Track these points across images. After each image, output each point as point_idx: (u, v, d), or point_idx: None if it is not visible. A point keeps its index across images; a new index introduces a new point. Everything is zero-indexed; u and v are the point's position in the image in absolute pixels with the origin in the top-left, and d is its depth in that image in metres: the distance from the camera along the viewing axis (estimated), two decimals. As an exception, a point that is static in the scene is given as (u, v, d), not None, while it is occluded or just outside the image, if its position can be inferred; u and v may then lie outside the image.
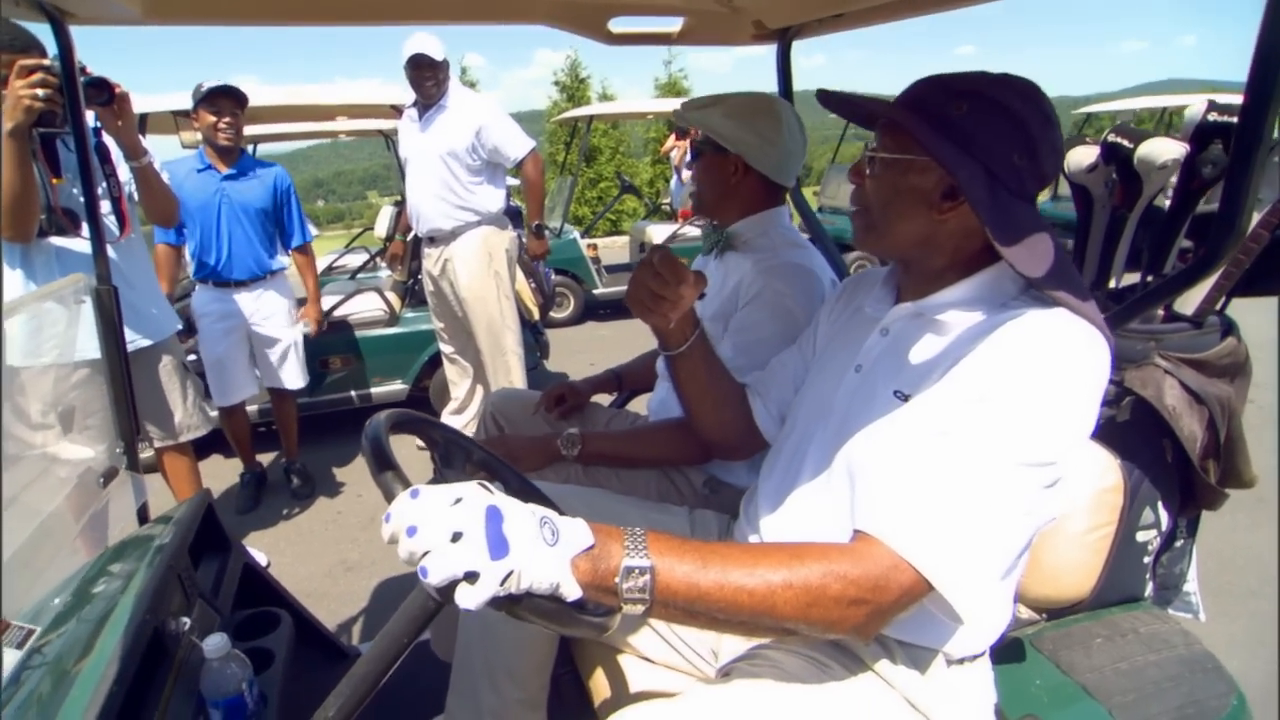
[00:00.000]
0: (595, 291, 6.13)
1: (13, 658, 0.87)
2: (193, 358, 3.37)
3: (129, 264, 2.03)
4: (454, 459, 0.93)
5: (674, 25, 1.58)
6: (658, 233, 6.37)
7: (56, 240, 1.85)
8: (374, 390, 3.70)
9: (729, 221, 1.48)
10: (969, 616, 0.75)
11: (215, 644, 1.02)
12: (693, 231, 6.30)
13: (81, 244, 1.87)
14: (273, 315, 2.85)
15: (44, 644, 0.97)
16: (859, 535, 0.76)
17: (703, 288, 1.05)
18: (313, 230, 3.11)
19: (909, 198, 0.86)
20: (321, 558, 2.64)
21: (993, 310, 0.84)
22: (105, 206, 1.92)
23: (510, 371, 3.13)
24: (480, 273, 2.99)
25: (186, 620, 1.10)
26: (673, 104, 8.17)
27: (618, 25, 1.54)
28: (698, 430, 1.25)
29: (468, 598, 0.61)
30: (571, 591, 0.65)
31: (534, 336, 3.85)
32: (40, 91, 1.55)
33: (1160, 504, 1.22)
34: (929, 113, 0.83)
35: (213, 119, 2.61)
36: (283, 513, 3.02)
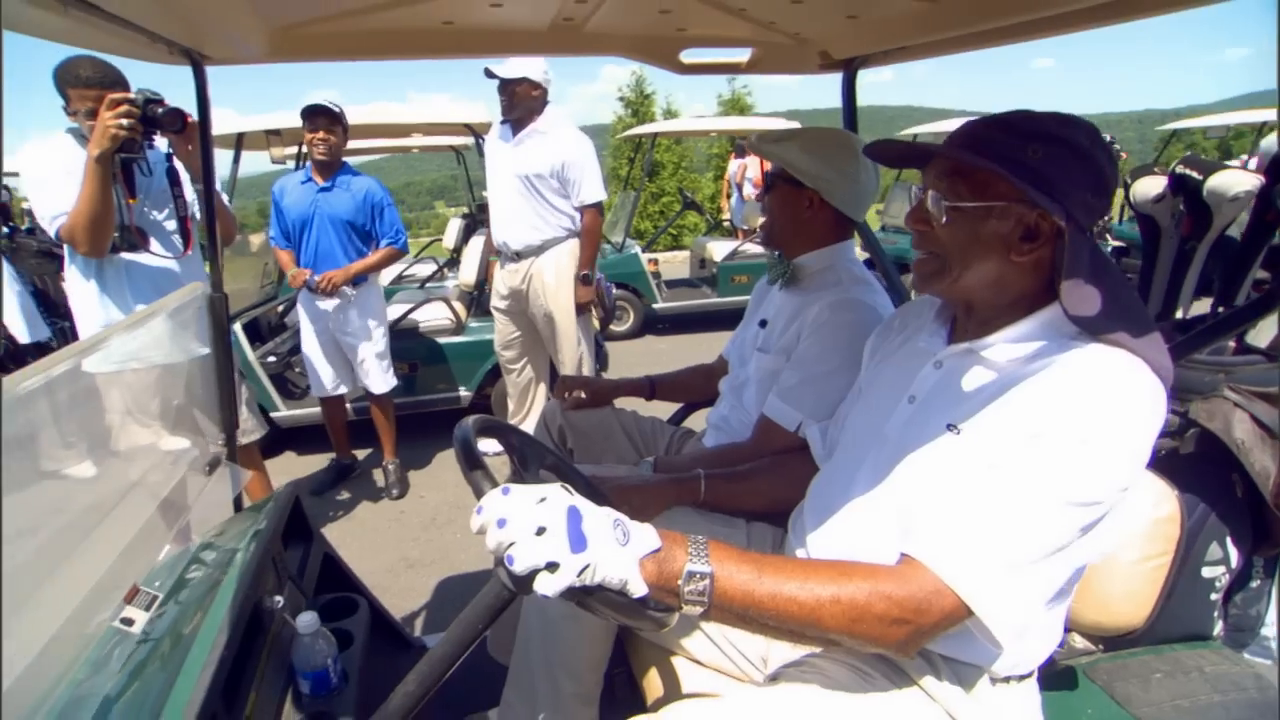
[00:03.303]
0: (655, 306, 6.19)
1: (142, 618, 0.99)
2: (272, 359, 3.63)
3: (189, 277, 2.17)
4: (530, 462, 1.00)
5: (742, 56, 1.64)
6: (718, 249, 6.41)
7: (126, 255, 2.02)
8: (438, 396, 3.86)
9: (797, 254, 1.47)
10: (1008, 644, 0.78)
11: (307, 621, 1.12)
12: (753, 249, 6.32)
13: (147, 259, 2.04)
14: (352, 324, 3.05)
15: (164, 610, 1.09)
16: (906, 559, 0.80)
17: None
18: None
19: (989, 243, 0.86)
20: (383, 554, 2.78)
21: (1052, 347, 0.85)
22: (171, 225, 2.09)
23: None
24: (569, 284, 3.11)
25: (279, 599, 1.21)
26: (734, 123, 8.24)
27: (689, 56, 1.61)
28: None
29: (547, 585, 0.68)
30: (638, 589, 0.72)
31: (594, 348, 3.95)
32: (125, 121, 1.71)
33: (1229, 540, 1.19)
34: (1002, 156, 0.83)
35: (309, 135, 2.87)
36: (349, 509, 3.19)
